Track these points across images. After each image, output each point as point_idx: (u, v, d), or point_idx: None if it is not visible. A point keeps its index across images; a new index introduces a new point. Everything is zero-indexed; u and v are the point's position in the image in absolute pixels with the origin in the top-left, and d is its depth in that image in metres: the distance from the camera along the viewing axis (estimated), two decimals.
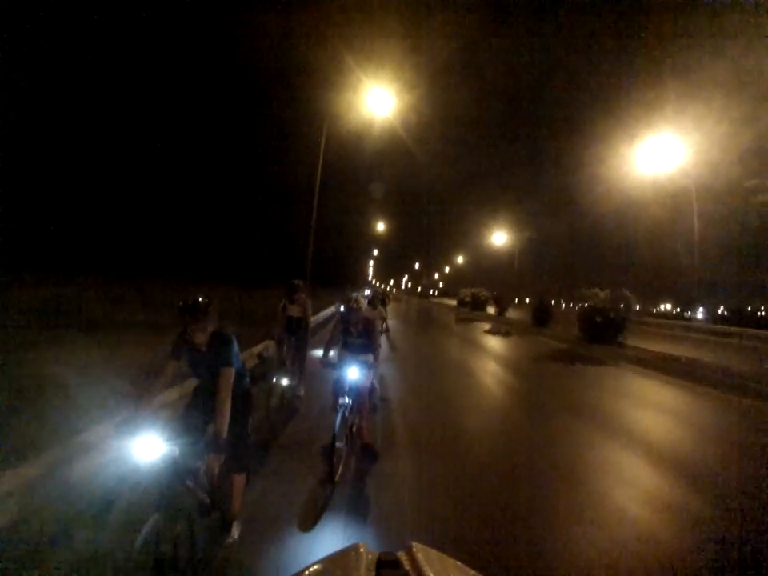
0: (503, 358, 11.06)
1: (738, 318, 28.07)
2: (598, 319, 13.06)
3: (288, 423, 4.27)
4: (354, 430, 3.60)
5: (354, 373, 3.33)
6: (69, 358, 5.35)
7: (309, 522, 2.52)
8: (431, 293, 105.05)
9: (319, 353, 3.72)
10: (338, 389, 3.33)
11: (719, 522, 2.89)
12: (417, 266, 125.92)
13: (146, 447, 1.70)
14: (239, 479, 2.30)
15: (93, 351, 5.89)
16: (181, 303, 1.99)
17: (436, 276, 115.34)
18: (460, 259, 73.17)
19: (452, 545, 2.34)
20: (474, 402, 6.06)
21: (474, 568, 0.74)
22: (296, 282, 4.94)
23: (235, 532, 2.24)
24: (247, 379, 2.44)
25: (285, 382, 4.47)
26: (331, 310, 16.17)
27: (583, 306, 13.91)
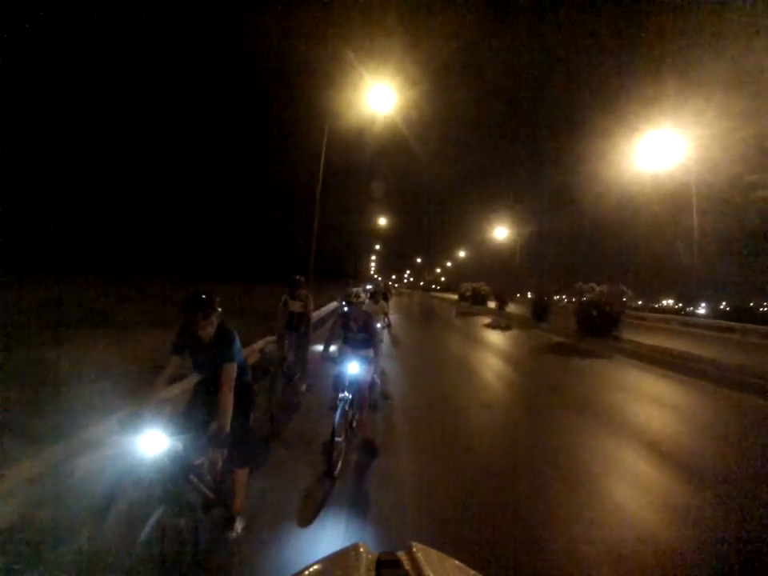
0: (501, 350, 11.19)
1: (740, 314, 28.02)
2: (594, 313, 13.16)
3: (289, 419, 4.28)
4: (354, 424, 3.63)
5: (354, 368, 3.34)
6: (77, 355, 5.37)
7: (307, 517, 2.53)
8: (433, 287, 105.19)
9: (320, 348, 3.73)
10: (339, 383, 3.34)
11: (708, 509, 2.97)
12: (419, 261, 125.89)
13: (150, 442, 1.71)
14: (242, 474, 2.30)
15: (94, 351, 5.92)
16: (186, 297, 1.97)
17: (438, 271, 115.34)
18: (462, 254, 72.99)
19: (452, 545, 2.34)
20: (472, 394, 6.13)
21: (474, 568, 0.74)
22: (297, 277, 4.92)
23: (238, 527, 2.25)
24: (249, 374, 2.43)
25: (286, 377, 4.48)
26: (333, 305, 16.16)
27: (580, 300, 13.95)
